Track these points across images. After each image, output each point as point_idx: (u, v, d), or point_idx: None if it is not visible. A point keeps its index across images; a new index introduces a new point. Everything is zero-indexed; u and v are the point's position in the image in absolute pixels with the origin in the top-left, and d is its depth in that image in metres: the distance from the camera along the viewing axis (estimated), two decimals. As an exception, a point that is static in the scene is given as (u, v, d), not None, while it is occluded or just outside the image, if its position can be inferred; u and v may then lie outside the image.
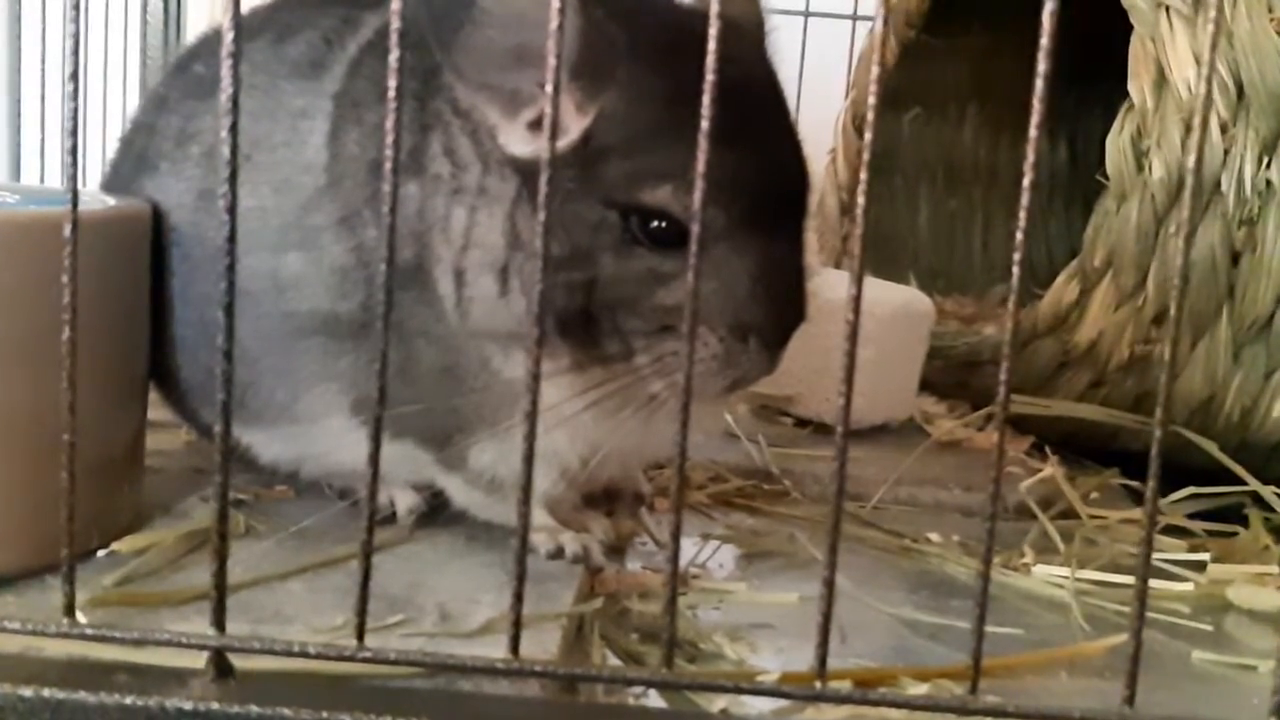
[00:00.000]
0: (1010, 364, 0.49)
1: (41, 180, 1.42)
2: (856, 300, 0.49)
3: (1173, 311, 0.50)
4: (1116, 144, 1.10)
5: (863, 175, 0.48)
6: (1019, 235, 0.49)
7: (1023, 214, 0.49)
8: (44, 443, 0.62)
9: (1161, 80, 1.08)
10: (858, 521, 0.95)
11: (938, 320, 1.27)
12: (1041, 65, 0.49)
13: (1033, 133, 0.49)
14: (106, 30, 1.52)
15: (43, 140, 1.35)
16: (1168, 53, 1.07)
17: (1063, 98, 1.63)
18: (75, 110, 0.51)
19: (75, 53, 0.51)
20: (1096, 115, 1.61)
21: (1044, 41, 0.48)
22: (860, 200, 0.48)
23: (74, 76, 0.51)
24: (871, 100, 0.48)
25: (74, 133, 0.51)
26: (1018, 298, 0.49)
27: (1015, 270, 0.49)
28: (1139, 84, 1.09)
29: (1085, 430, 1.16)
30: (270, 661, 0.54)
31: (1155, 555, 0.93)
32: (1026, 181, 0.49)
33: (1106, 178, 1.11)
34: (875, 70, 0.49)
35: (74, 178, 0.50)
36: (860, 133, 1.45)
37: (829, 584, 0.51)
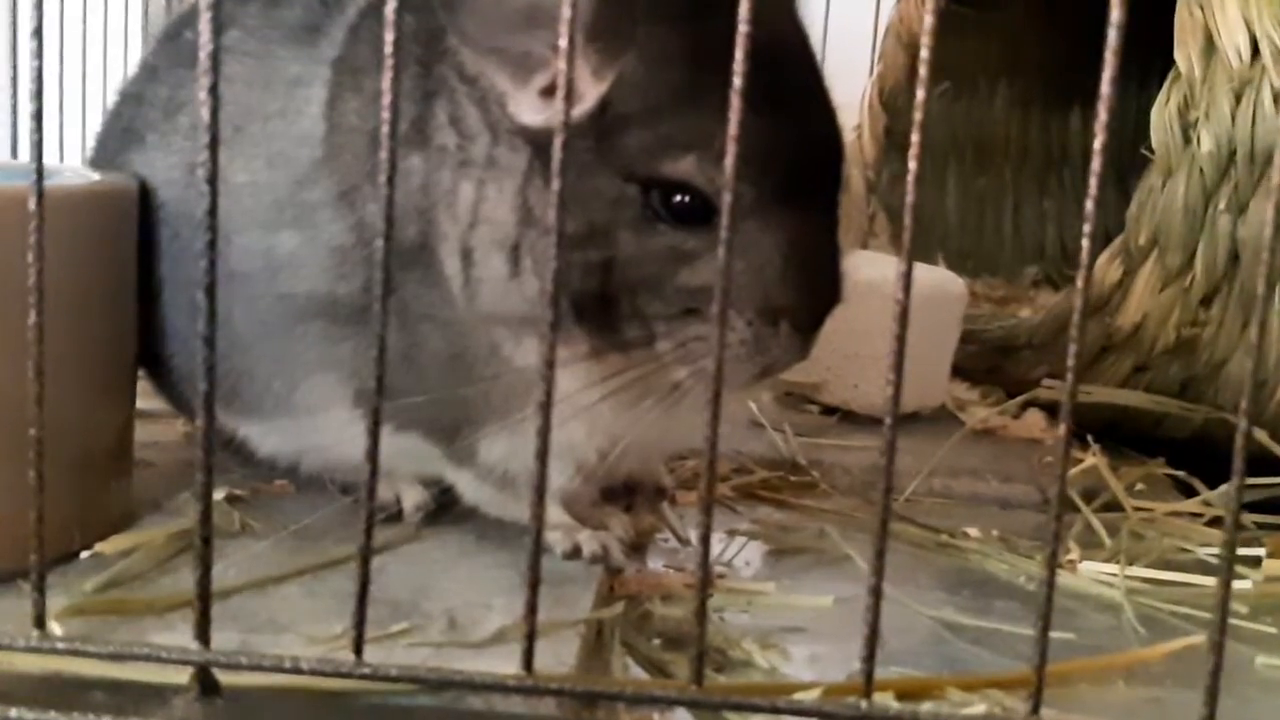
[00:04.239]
0: (1080, 346, 0.44)
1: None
2: (907, 277, 0.44)
3: (1260, 289, 0.45)
4: (1162, 116, 1.04)
5: (914, 138, 0.43)
6: (1089, 204, 0.44)
7: (1093, 180, 0.44)
8: (25, 435, 0.58)
9: (1210, 48, 1.02)
10: (891, 515, 0.90)
11: (969, 303, 1.21)
12: (1115, 13, 0.43)
13: (1105, 89, 0.44)
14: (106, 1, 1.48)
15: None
16: (1216, 19, 1.01)
17: (1093, 71, 1.58)
18: (39, 70, 0.46)
19: (39, 6, 0.46)
20: (1131, 89, 1.56)
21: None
22: (912, 165, 0.43)
23: (37, 33, 0.46)
24: (924, 53, 0.43)
25: (38, 95, 0.46)
26: (1088, 273, 0.44)
27: (1086, 244, 0.44)
28: (1186, 52, 1.03)
29: (1128, 417, 1.11)
30: (260, 677, 0.49)
31: (1206, 550, 0.89)
32: (1098, 144, 0.44)
33: (1151, 151, 1.05)
34: (928, 20, 0.43)
35: (38, 144, 0.46)
36: (887, 109, 1.40)
37: (875, 592, 0.47)
